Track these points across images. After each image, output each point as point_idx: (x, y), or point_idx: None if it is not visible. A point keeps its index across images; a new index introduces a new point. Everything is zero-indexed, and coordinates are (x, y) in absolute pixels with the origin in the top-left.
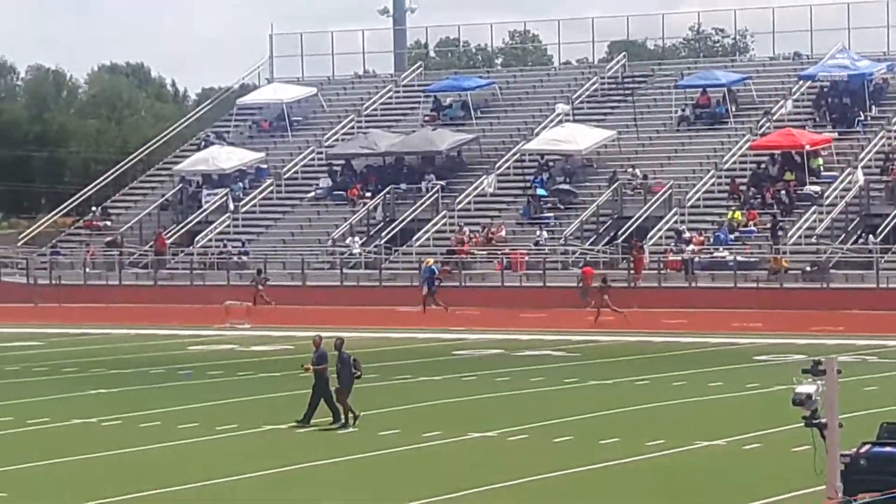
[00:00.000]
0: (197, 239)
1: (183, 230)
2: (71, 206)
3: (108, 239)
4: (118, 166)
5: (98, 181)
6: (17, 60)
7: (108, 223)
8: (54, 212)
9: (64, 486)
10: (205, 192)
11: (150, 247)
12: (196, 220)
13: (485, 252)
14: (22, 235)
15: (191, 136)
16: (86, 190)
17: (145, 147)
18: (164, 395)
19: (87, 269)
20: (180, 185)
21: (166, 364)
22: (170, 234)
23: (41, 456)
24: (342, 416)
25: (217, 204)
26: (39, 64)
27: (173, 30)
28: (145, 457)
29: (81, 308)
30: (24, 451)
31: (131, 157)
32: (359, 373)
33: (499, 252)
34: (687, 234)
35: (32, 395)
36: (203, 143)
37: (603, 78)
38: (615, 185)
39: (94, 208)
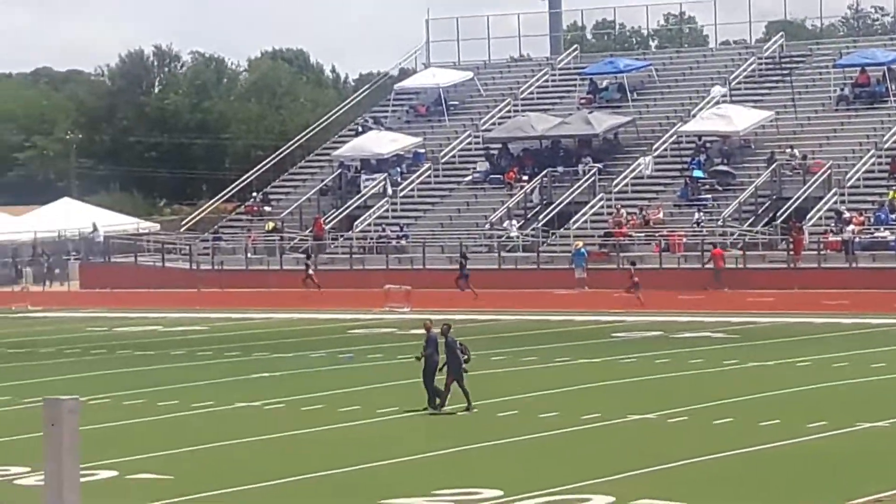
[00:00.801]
0: (356, 223)
1: (342, 215)
2: (232, 192)
3: (270, 226)
4: (278, 152)
5: (258, 167)
6: (179, 49)
7: (269, 208)
8: (216, 198)
9: (229, 469)
10: (363, 176)
11: (310, 232)
12: (355, 205)
13: (642, 234)
14: (184, 222)
15: (349, 121)
16: (246, 176)
17: (305, 133)
18: (326, 378)
19: (249, 255)
20: (339, 171)
21: (327, 348)
22: (329, 218)
23: (206, 439)
24: (438, 401)
25: (375, 188)
26: (201, 52)
27: (332, 16)
28: (308, 439)
29: (243, 293)
30: (189, 433)
31: (291, 142)
32: (467, 357)
33: (656, 234)
34: (847, 215)
35: (197, 378)
36: (361, 129)
37: (760, 58)
38: (773, 165)
39: (254, 194)
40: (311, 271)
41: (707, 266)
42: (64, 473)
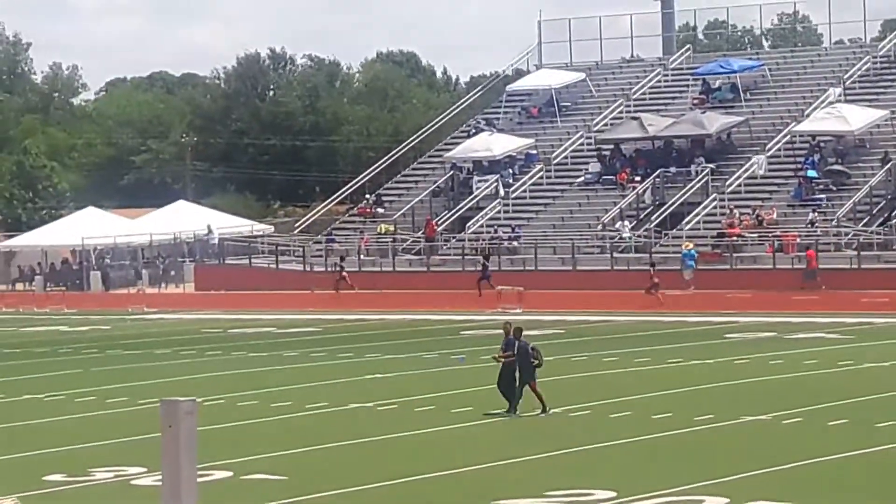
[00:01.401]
0: (468, 225)
1: (454, 216)
2: (345, 193)
3: (384, 229)
4: (390, 154)
5: (371, 169)
6: (293, 52)
7: (382, 210)
8: (329, 200)
9: (342, 469)
10: (475, 178)
11: (422, 233)
12: (467, 207)
13: (755, 235)
14: (298, 224)
15: (461, 123)
16: (359, 178)
17: (417, 135)
18: (439, 379)
19: (362, 256)
20: (451, 172)
21: (440, 349)
22: (441, 220)
23: (320, 439)
24: (515, 407)
25: (488, 190)
26: (314, 55)
27: (444, 18)
28: (421, 440)
29: (356, 294)
30: (302, 434)
31: (403, 144)
32: (538, 362)
33: (770, 234)
34: None
35: (311, 379)
36: (473, 130)
37: (875, 57)
38: (888, 165)
39: (367, 196)
40: (344, 273)
41: (799, 267)
42: (181, 474)
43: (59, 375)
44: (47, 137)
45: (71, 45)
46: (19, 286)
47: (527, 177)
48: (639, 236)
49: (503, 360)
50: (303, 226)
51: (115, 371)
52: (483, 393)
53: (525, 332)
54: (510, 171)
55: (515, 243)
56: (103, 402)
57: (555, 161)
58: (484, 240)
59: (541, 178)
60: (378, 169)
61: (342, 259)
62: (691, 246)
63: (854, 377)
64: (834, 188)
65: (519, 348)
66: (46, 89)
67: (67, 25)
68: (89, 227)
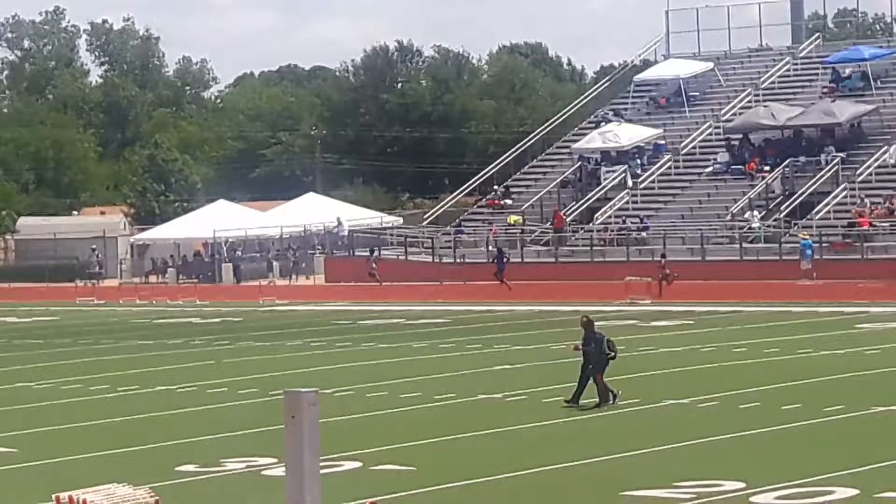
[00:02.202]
0: (596, 216)
1: (582, 207)
2: (473, 185)
3: (513, 220)
4: (518, 145)
5: (499, 160)
6: (421, 44)
7: (510, 201)
8: (457, 191)
9: (471, 460)
10: (603, 169)
11: (551, 224)
12: (595, 197)
13: (887, 224)
14: (427, 215)
15: (589, 113)
16: (487, 169)
17: (544, 126)
18: (567, 370)
19: (490, 248)
20: (579, 163)
21: (568, 340)
22: (570, 211)
23: (448, 430)
24: (608, 397)
25: (616, 181)
26: (442, 46)
27: (571, 9)
28: (549, 431)
29: (485, 286)
30: (431, 425)
31: (531, 136)
32: (612, 353)
33: None
34: None
35: (439, 370)
36: (601, 121)
37: None
38: None
39: (495, 187)
40: (374, 265)
41: None
42: (304, 464)
43: (192, 367)
44: (179, 131)
45: (202, 39)
46: (152, 278)
47: (655, 167)
48: (768, 226)
49: (577, 350)
50: (431, 217)
51: (247, 362)
52: (615, 384)
53: (656, 323)
54: (638, 161)
55: (644, 234)
56: (235, 392)
57: (683, 151)
58: (611, 230)
59: (669, 168)
60: (506, 160)
61: (372, 252)
62: (808, 236)
63: None
64: None
65: (594, 339)
66: (178, 83)
67: (198, 20)
68: (221, 220)
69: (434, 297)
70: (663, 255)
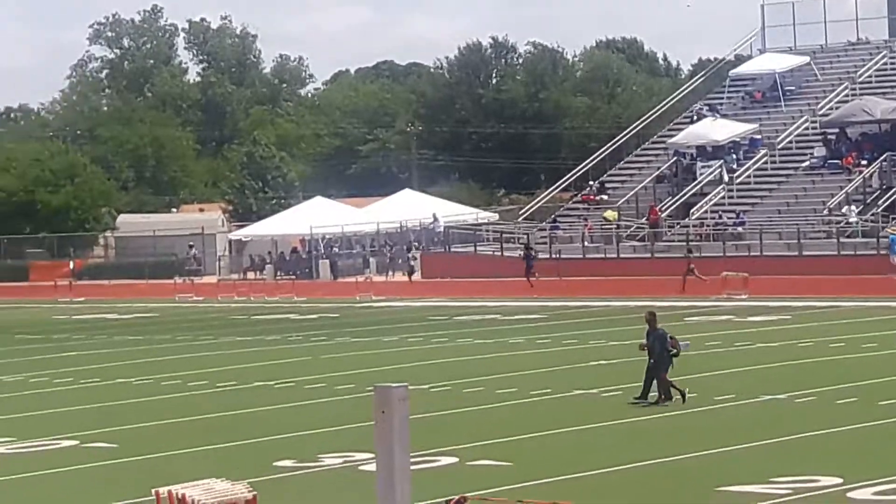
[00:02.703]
0: (692, 211)
1: (678, 202)
2: (568, 181)
3: (611, 215)
4: (613, 141)
5: (594, 156)
6: (516, 40)
7: (605, 197)
8: (553, 187)
9: (567, 456)
10: (699, 164)
11: (646, 220)
12: (691, 193)
13: None
14: (522, 211)
15: (684, 108)
16: (582, 165)
17: (639, 121)
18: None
19: (586, 243)
20: (675, 158)
21: None
22: (665, 206)
23: (545, 426)
24: (673, 393)
25: (711, 176)
26: (537, 42)
27: (666, 3)
28: (645, 427)
29: (580, 281)
30: (528, 420)
31: (626, 131)
32: (675, 350)
33: None
34: None
35: (535, 366)
36: (696, 116)
37: None
38: None
39: (591, 182)
40: (412, 263)
41: None
42: (395, 460)
43: (289, 363)
44: (276, 128)
45: (298, 36)
46: (250, 275)
47: (751, 162)
48: (865, 221)
49: (643, 349)
50: (527, 213)
51: (344, 358)
52: (711, 379)
53: (752, 318)
54: (734, 156)
55: (740, 229)
56: (332, 388)
57: (779, 146)
58: (708, 225)
59: (765, 163)
60: (601, 156)
61: (409, 250)
62: (894, 231)
63: None
64: None
65: (657, 336)
66: (274, 81)
67: (295, 17)
68: (318, 217)
69: (529, 292)
70: (689, 251)
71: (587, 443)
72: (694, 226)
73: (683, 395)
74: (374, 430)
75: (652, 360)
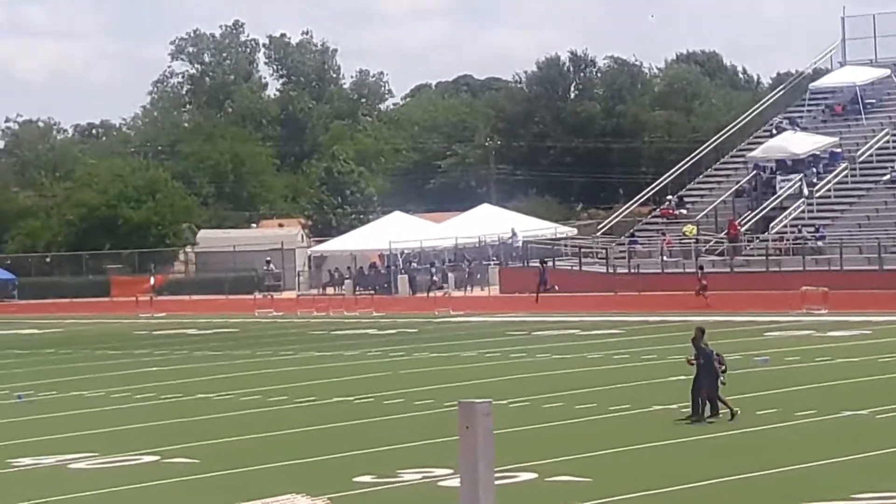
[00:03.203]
0: (771, 225)
1: (757, 216)
2: (647, 195)
3: (690, 230)
4: (692, 155)
5: (673, 170)
6: (595, 54)
7: (684, 211)
8: (631, 201)
9: (647, 471)
10: (779, 177)
11: (725, 234)
12: (770, 207)
13: None
14: (601, 226)
15: (764, 122)
16: (661, 179)
17: (718, 135)
18: (742, 381)
19: (664, 258)
20: (754, 172)
21: (743, 350)
22: (745, 220)
23: (624, 441)
24: (717, 410)
25: (791, 189)
26: (616, 56)
27: (746, 17)
28: (726, 443)
29: (659, 296)
30: (606, 436)
31: (705, 145)
32: (723, 367)
33: None
34: None
35: (613, 381)
36: (776, 130)
37: None
38: None
39: (669, 197)
40: (435, 279)
41: None
42: (479, 475)
43: (368, 378)
44: (355, 143)
45: (377, 51)
46: (329, 290)
47: (831, 175)
48: None
49: (691, 363)
50: (606, 227)
51: (422, 373)
52: (792, 394)
53: (832, 333)
54: (814, 170)
55: (820, 243)
56: (411, 403)
57: (859, 159)
58: (787, 240)
59: (845, 176)
60: (680, 170)
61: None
62: None
63: None
64: None
65: (704, 353)
66: (354, 96)
67: (374, 32)
68: (396, 232)
69: (608, 307)
70: (701, 267)
71: (667, 459)
72: (773, 240)
73: (733, 415)
74: (458, 446)
75: (700, 377)
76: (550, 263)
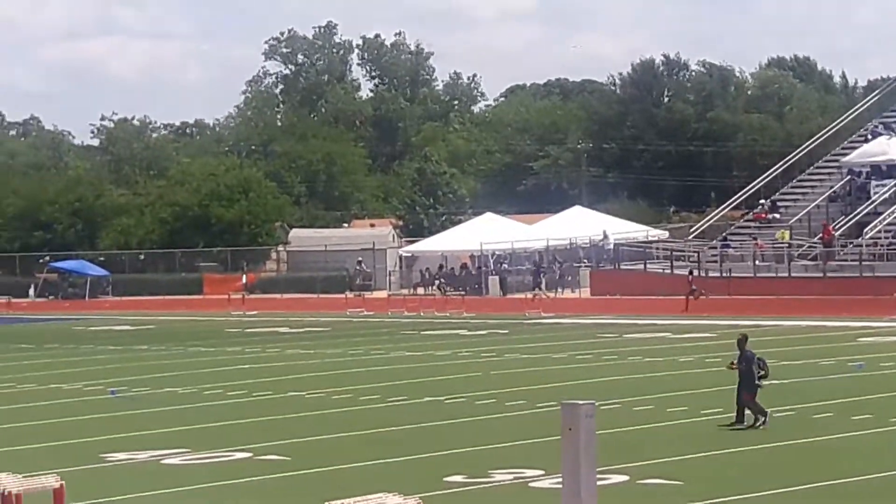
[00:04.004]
0: (865, 230)
1: (851, 221)
2: (739, 199)
3: (783, 235)
4: (785, 159)
5: (765, 174)
6: (688, 58)
7: (777, 215)
8: (723, 205)
9: (738, 475)
10: (873, 183)
11: (819, 239)
12: (864, 212)
13: None
14: (692, 229)
15: (858, 127)
16: (753, 183)
17: (812, 140)
18: (835, 386)
19: (756, 262)
20: (848, 177)
21: (836, 355)
22: (838, 225)
23: (715, 445)
24: (742, 418)
25: (886, 195)
26: (708, 61)
27: (840, 21)
28: (818, 445)
29: (751, 300)
30: (698, 439)
31: (798, 150)
32: (763, 372)
33: None
34: None
35: (707, 385)
36: (871, 135)
37: None
38: None
39: (762, 201)
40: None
41: None
42: (581, 476)
43: (459, 378)
44: (447, 144)
45: (471, 53)
46: (420, 290)
47: None
48: None
49: (732, 368)
50: (697, 231)
51: (513, 374)
52: (884, 400)
53: None
54: None
55: None
56: (502, 404)
57: None
58: (881, 245)
59: None
60: (773, 174)
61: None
62: None
63: None
64: None
65: (745, 358)
66: (446, 98)
67: (467, 34)
68: (487, 233)
69: (699, 311)
70: (691, 272)
71: (759, 462)
72: (867, 245)
73: (765, 419)
74: (560, 447)
75: (741, 382)
76: (643, 266)
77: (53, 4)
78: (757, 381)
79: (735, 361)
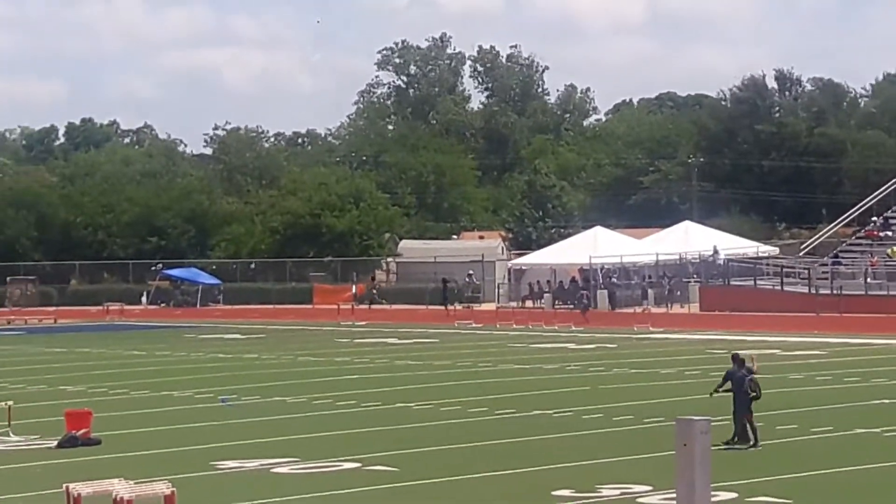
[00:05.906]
0: None
1: None
2: (851, 216)
3: (891, 251)
4: None
5: (879, 191)
6: (801, 72)
7: (889, 233)
8: (835, 222)
9: (846, 494)
10: None
11: None
12: None
13: None
14: (803, 246)
15: None
16: (866, 200)
17: None
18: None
19: (868, 279)
20: None
21: None
22: None
23: (826, 464)
24: (747, 436)
25: None
26: (820, 77)
27: None
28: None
29: (862, 318)
30: (808, 458)
31: None
32: (755, 394)
33: None
34: None
35: (815, 403)
36: None
37: None
38: None
39: (874, 218)
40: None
41: None
42: (695, 492)
43: (567, 392)
44: (557, 157)
45: (583, 67)
46: (528, 303)
47: None
48: None
49: (716, 393)
50: (808, 248)
51: (621, 389)
52: None
53: None
54: None
55: None
56: (610, 419)
57: None
58: None
59: None
60: (886, 191)
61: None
62: None
63: None
64: None
65: (736, 379)
66: (558, 111)
67: (580, 48)
68: (597, 247)
69: (810, 328)
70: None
71: (869, 482)
72: None
73: (755, 440)
74: (675, 463)
75: (734, 404)
76: (753, 283)
77: (169, 14)
78: (749, 405)
79: (718, 389)
